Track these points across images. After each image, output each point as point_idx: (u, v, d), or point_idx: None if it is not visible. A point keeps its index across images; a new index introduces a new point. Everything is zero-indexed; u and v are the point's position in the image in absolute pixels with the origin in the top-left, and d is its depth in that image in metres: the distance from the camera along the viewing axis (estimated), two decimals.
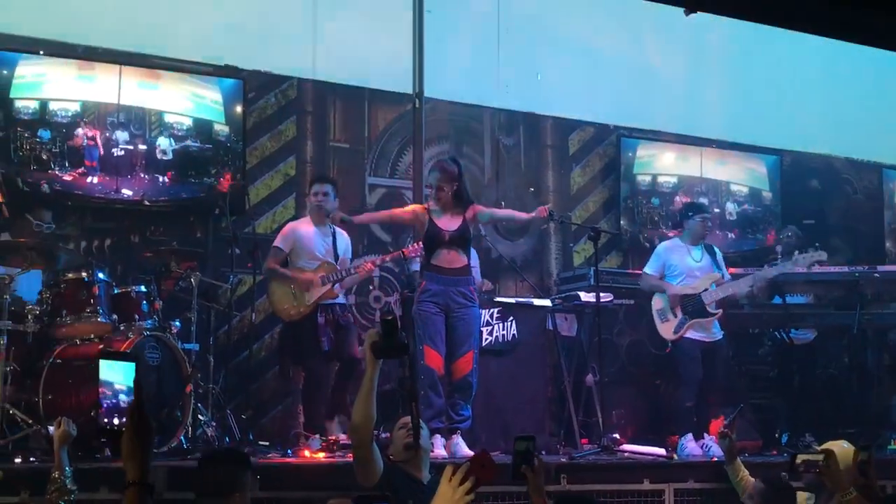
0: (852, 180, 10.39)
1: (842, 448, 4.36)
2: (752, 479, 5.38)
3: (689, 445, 6.90)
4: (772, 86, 9.93)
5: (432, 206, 6.47)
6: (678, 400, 7.16)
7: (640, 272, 7.65)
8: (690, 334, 7.16)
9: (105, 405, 2.17)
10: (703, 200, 9.45)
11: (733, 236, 9.62)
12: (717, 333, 7.26)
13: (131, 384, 2.17)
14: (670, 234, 8.38)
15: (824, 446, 4.46)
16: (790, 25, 4.05)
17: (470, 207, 6.54)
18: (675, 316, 7.20)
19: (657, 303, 7.32)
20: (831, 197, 10.19)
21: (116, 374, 2.21)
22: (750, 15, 3.89)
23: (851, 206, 10.25)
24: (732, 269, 7.67)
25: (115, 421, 2.16)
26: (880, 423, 7.95)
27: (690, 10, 3.68)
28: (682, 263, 7.32)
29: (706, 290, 7.18)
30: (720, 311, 7.19)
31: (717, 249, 7.57)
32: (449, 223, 6.44)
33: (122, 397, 2.17)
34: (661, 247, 7.54)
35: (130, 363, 2.24)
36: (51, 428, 4.83)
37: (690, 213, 7.46)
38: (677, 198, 9.32)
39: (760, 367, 8.47)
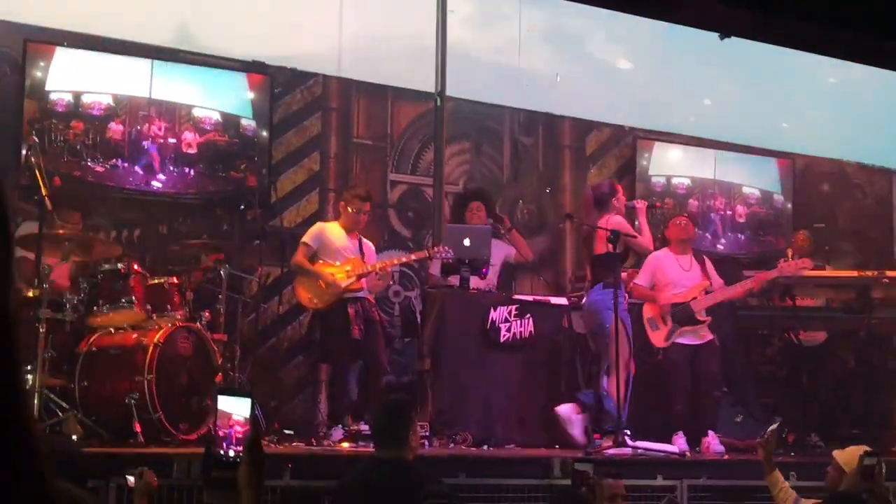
0: (863, 185, 10.53)
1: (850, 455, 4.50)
2: (794, 493, 5.30)
3: (679, 442, 6.97)
4: (786, 89, 10.06)
5: None
6: (669, 406, 7.26)
7: None
8: (681, 339, 7.31)
9: (221, 436, 2.33)
10: (715, 202, 9.62)
11: (744, 238, 9.78)
12: (708, 335, 7.39)
13: (247, 417, 2.34)
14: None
15: (837, 453, 4.55)
16: (818, 52, 4.21)
17: None
18: (666, 324, 7.35)
19: (647, 311, 7.44)
20: (842, 201, 10.34)
21: (232, 407, 2.36)
22: (782, 42, 4.05)
23: (862, 210, 10.39)
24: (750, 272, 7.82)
25: (231, 452, 2.31)
26: (884, 426, 8.10)
27: (725, 35, 3.85)
28: (671, 273, 7.43)
29: (695, 298, 7.31)
30: (710, 318, 7.33)
31: (706, 258, 7.70)
32: None
33: (238, 429, 2.32)
34: (651, 258, 7.57)
35: (247, 398, 2.39)
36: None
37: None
38: (691, 200, 9.47)
39: (770, 367, 8.62)
